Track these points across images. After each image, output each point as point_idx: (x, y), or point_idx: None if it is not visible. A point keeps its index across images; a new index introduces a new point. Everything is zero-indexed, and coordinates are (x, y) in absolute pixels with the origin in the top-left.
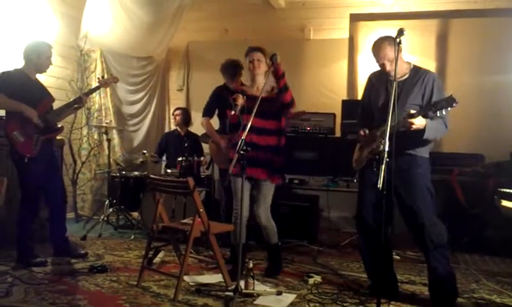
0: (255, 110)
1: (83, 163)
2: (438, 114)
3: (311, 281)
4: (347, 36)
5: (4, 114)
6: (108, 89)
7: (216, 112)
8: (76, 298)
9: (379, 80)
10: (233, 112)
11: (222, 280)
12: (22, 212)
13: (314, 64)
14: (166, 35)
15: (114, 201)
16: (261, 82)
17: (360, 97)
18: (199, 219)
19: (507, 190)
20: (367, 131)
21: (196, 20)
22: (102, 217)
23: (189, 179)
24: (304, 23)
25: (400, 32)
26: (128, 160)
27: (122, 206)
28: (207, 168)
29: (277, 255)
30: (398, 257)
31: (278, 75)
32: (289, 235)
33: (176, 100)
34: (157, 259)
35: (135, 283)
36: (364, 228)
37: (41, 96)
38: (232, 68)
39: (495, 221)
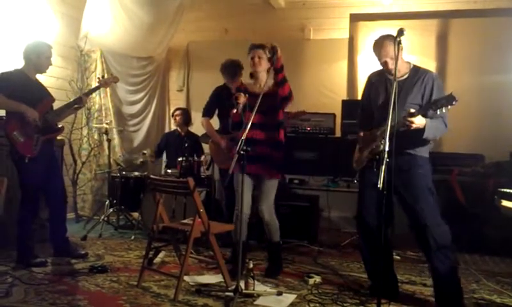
0: (256, 108)
1: (83, 163)
2: (438, 112)
3: (311, 281)
4: (347, 36)
5: (4, 114)
6: (108, 90)
7: (216, 112)
8: (76, 298)
9: (379, 80)
10: (235, 111)
11: (222, 280)
12: (22, 212)
13: (314, 64)
14: (166, 35)
15: (115, 201)
16: (263, 79)
17: (359, 97)
18: (199, 219)
19: (507, 190)
20: (366, 132)
21: (196, 20)
22: (102, 217)
23: (189, 179)
24: (304, 23)
25: (400, 32)
26: (128, 160)
27: (122, 207)
28: (207, 168)
29: (277, 255)
30: (398, 257)
31: (276, 67)
32: (289, 235)
33: (177, 100)
34: (157, 260)
35: (135, 283)
36: (364, 228)
37: (41, 96)
38: (232, 68)
39: (495, 221)
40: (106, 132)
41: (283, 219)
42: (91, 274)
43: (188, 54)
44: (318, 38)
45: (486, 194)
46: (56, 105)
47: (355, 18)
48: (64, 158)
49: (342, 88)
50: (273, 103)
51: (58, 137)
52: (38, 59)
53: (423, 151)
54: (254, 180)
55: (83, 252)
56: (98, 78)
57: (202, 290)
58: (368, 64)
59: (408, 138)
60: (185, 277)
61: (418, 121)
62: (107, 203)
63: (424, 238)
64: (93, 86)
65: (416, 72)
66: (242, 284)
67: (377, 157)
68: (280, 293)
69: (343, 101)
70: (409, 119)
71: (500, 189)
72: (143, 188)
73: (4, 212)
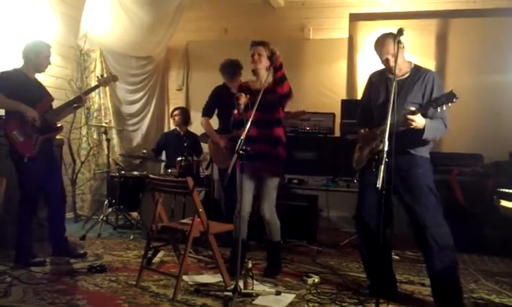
0: (256, 105)
1: (82, 163)
2: (439, 110)
3: (310, 281)
4: (346, 35)
5: (3, 114)
6: (107, 89)
7: (216, 112)
8: (75, 298)
9: (380, 79)
10: (236, 111)
11: (221, 280)
12: (21, 211)
13: (314, 64)
14: (166, 35)
15: (114, 201)
16: (263, 76)
17: (359, 97)
18: (198, 219)
19: (506, 190)
20: (367, 129)
21: (195, 20)
22: (101, 216)
23: (189, 179)
24: (304, 23)
25: (400, 32)
26: (129, 157)
27: (121, 206)
28: (206, 168)
29: (277, 255)
30: (397, 257)
31: (275, 66)
32: (288, 235)
33: (176, 100)
34: (156, 259)
35: (134, 282)
36: (364, 228)
37: (41, 95)
38: (231, 68)
39: (494, 221)
40: (105, 132)
41: (282, 218)
42: (90, 273)
43: (187, 53)
44: (317, 38)
45: (485, 194)
46: (55, 104)
47: (355, 18)
48: (63, 158)
49: (341, 88)
50: (272, 100)
51: (57, 137)
52: (37, 59)
53: (423, 151)
54: (255, 179)
55: (82, 251)
56: (97, 77)
57: (201, 289)
58: (367, 64)
59: (408, 138)
60: (184, 277)
61: (419, 120)
62: (106, 202)
63: (424, 238)
64: (92, 85)
65: (417, 71)
66: (241, 283)
67: (376, 156)
68: (278, 293)
69: (342, 101)
70: (410, 117)
71: (499, 189)
72: (142, 188)
73: (3, 212)
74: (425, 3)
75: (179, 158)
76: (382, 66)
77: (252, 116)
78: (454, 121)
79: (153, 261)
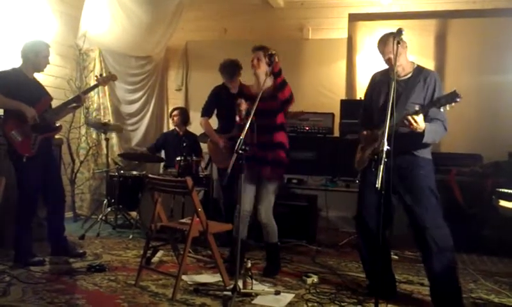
0: (254, 109)
1: (81, 162)
2: (442, 110)
3: (309, 280)
4: (345, 35)
5: (1, 114)
6: (107, 89)
7: (215, 112)
8: (74, 297)
9: (382, 79)
10: (238, 119)
11: (220, 279)
12: (20, 211)
13: (313, 64)
14: (165, 34)
15: (113, 200)
16: (262, 81)
17: (358, 97)
18: (197, 219)
19: (505, 190)
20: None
21: (194, 20)
22: (100, 216)
23: (188, 178)
24: (303, 23)
25: (399, 32)
26: (129, 158)
27: (120, 206)
28: (206, 168)
29: (275, 255)
30: (396, 257)
31: (274, 72)
32: (287, 235)
33: (175, 100)
34: (155, 259)
35: (133, 282)
36: (364, 228)
37: (39, 95)
38: (230, 68)
39: (493, 221)
40: (104, 131)
41: (281, 218)
42: (89, 273)
43: (187, 53)
44: (317, 38)
45: (484, 194)
46: (54, 104)
47: (354, 18)
48: (62, 157)
49: (340, 88)
50: (272, 106)
51: (56, 136)
52: (35, 58)
53: (425, 152)
54: (256, 180)
55: (81, 251)
56: (96, 76)
57: (200, 289)
58: (366, 64)
59: (410, 138)
60: (183, 277)
61: (420, 121)
62: (105, 202)
63: (423, 239)
64: (91, 85)
65: (420, 72)
66: (240, 283)
67: (376, 156)
68: (277, 293)
69: (341, 101)
70: (412, 117)
71: (498, 189)
72: (141, 187)
73: (2, 211)
74: (425, 3)
75: (178, 158)
76: (380, 66)
77: (250, 120)
78: (453, 121)
79: (153, 260)
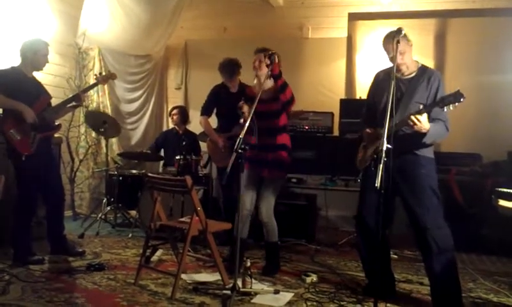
0: (253, 110)
1: (81, 161)
2: (445, 109)
3: (308, 279)
4: (345, 35)
5: (0, 112)
6: (106, 88)
7: (214, 111)
8: (73, 296)
9: (386, 78)
10: (241, 121)
11: (219, 278)
12: (20, 210)
13: (312, 63)
14: (164, 33)
15: (112, 199)
16: (262, 82)
17: (358, 96)
18: (197, 218)
19: (505, 190)
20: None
21: (194, 18)
22: (99, 215)
23: (187, 177)
24: (303, 21)
25: (399, 31)
26: (128, 157)
27: (120, 205)
28: (205, 166)
29: (275, 254)
30: (395, 256)
31: (273, 74)
32: (287, 234)
33: (175, 99)
34: (154, 258)
35: (132, 281)
36: (364, 228)
37: (38, 93)
38: (230, 67)
39: (493, 221)
40: (103, 134)
41: (280, 217)
42: (89, 271)
43: (186, 52)
44: (316, 37)
45: (484, 193)
46: (54, 103)
47: (354, 17)
48: (61, 156)
49: (340, 87)
50: (273, 107)
51: (56, 135)
52: (34, 57)
53: (426, 151)
54: (257, 179)
55: (80, 250)
56: (95, 75)
57: (199, 288)
58: (366, 64)
59: (411, 138)
60: (183, 276)
61: (423, 121)
62: (104, 201)
63: (424, 240)
64: (91, 83)
65: (424, 72)
66: (239, 282)
67: (375, 156)
68: (277, 292)
69: (341, 100)
70: (415, 116)
71: (497, 189)
72: (140, 186)
73: (2, 210)
74: (424, 3)
75: (178, 157)
76: (380, 66)
77: (248, 121)
78: (453, 120)
79: (152, 259)
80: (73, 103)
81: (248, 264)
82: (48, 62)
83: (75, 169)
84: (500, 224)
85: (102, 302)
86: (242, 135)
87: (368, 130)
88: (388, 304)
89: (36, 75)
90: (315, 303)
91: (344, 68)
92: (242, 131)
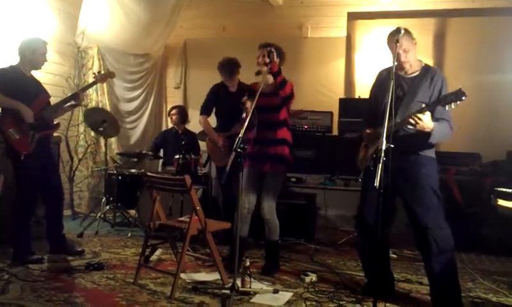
0: (254, 105)
1: (80, 160)
2: (447, 108)
3: (307, 279)
4: (344, 34)
5: None
6: (105, 87)
7: (214, 110)
8: (72, 295)
9: (388, 76)
10: (244, 115)
11: (219, 278)
12: (19, 209)
13: (312, 63)
14: (163, 32)
15: (111, 198)
16: (265, 78)
17: (357, 95)
18: (196, 217)
19: (504, 189)
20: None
21: (193, 18)
22: (98, 214)
23: (186, 177)
24: (302, 21)
25: (398, 31)
26: (127, 155)
27: (119, 204)
28: (204, 166)
29: (275, 253)
30: (395, 256)
31: (272, 72)
32: (286, 233)
33: (174, 98)
34: (153, 257)
35: (132, 280)
36: (364, 227)
37: (37, 92)
38: (229, 66)
39: (492, 220)
40: (102, 133)
41: (280, 216)
42: (88, 271)
43: (185, 51)
44: (316, 36)
45: (483, 193)
46: (52, 102)
47: (353, 17)
48: (60, 155)
49: (339, 86)
50: (274, 101)
51: (55, 134)
52: (33, 56)
53: (428, 151)
54: (258, 177)
55: (79, 249)
56: (94, 73)
57: (199, 287)
58: (365, 63)
59: (416, 139)
60: (182, 275)
61: (426, 120)
62: (103, 200)
63: (425, 240)
64: (90, 82)
65: (427, 71)
66: (238, 281)
67: (374, 155)
68: (276, 291)
69: (340, 99)
70: (417, 115)
71: (496, 188)
72: (139, 185)
73: (1, 209)
74: (424, 2)
75: (177, 156)
76: (379, 65)
77: (249, 116)
78: (452, 120)
79: (151, 259)
80: (72, 102)
81: (247, 263)
82: (46, 61)
83: (74, 168)
84: (499, 223)
85: (101, 302)
86: (242, 134)
87: (368, 130)
88: (387, 304)
89: (35, 73)
90: (314, 302)
91: (343, 68)
92: (242, 129)
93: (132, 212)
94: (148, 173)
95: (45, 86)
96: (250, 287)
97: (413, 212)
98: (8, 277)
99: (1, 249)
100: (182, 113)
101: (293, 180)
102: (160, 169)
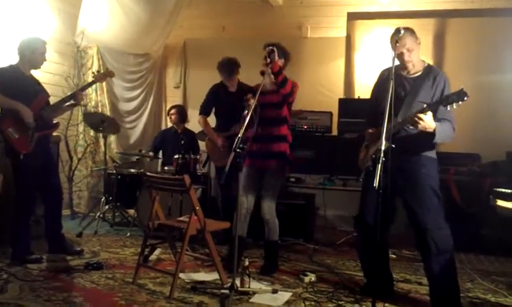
0: (255, 102)
1: (79, 160)
2: (448, 108)
3: (306, 279)
4: (344, 34)
5: None
6: (105, 86)
7: (213, 110)
8: (71, 295)
9: (389, 76)
10: (245, 112)
11: (218, 278)
12: (18, 208)
13: (311, 63)
14: (163, 32)
15: (110, 198)
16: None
17: (356, 95)
18: (195, 217)
19: (503, 190)
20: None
21: (193, 17)
22: (98, 214)
23: (185, 176)
24: (302, 21)
25: (398, 31)
26: (127, 155)
27: (118, 204)
28: (203, 166)
29: (274, 253)
30: (394, 256)
31: (272, 71)
32: (285, 233)
33: (173, 97)
34: (152, 257)
35: (131, 280)
36: (364, 227)
37: (36, 92)
38: (228, 66)
39: (491, 221)
40: (102, 132)
41: (279, 216)
42: (87, 270)
43: (185, 51)
44: (315, 36)
45: (482, 193)
46: (52, 101)
47: (353, 17)
48: (60, 155)
49: (339, 87)
50: (275, 98)
51: (54, 134)
52: (32, 55)
53: (429, 151)
54: (259, 177)
55: (78, 249)
56: (93, 72)
57: (198, 287)
58: (365, 63)
59: (419, 140)
60: (181, 275)
61: (428, 120)
62: (103, 199)
63: (424, 240)
64: (89, 81)
65: (430, 71)
66: (237, 281)
67: (374, 155)
68: (275, 291)
69: (340, 99)
70: (418, 115)
71: (496, 189)
72: (139, 185)
73: (0, 208)
74: (423, 2)
75: (176, 156)
76: (379, 65)
77: (250, 114)
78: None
79: (150, 258)
80: (72, 102)
81: (246, 263)
82: (46, 60)
83: (73, 168)
84: (498, 224)
85: (100, 301)
86: (241, 134)
87: (370, 130)
88: (386, 304)
89: (35, 73)
90: (313, 302)
91: (342, 68)
92: (241, 128)
93: (131, 211)
94: (148, 173)
95: (45, 86)
96: (249, 287)
97: (413, 212)
98: (6, 276)
99: (0, 248)
100: (181, 113)
101: (292, 180)
102: (159, 168)
